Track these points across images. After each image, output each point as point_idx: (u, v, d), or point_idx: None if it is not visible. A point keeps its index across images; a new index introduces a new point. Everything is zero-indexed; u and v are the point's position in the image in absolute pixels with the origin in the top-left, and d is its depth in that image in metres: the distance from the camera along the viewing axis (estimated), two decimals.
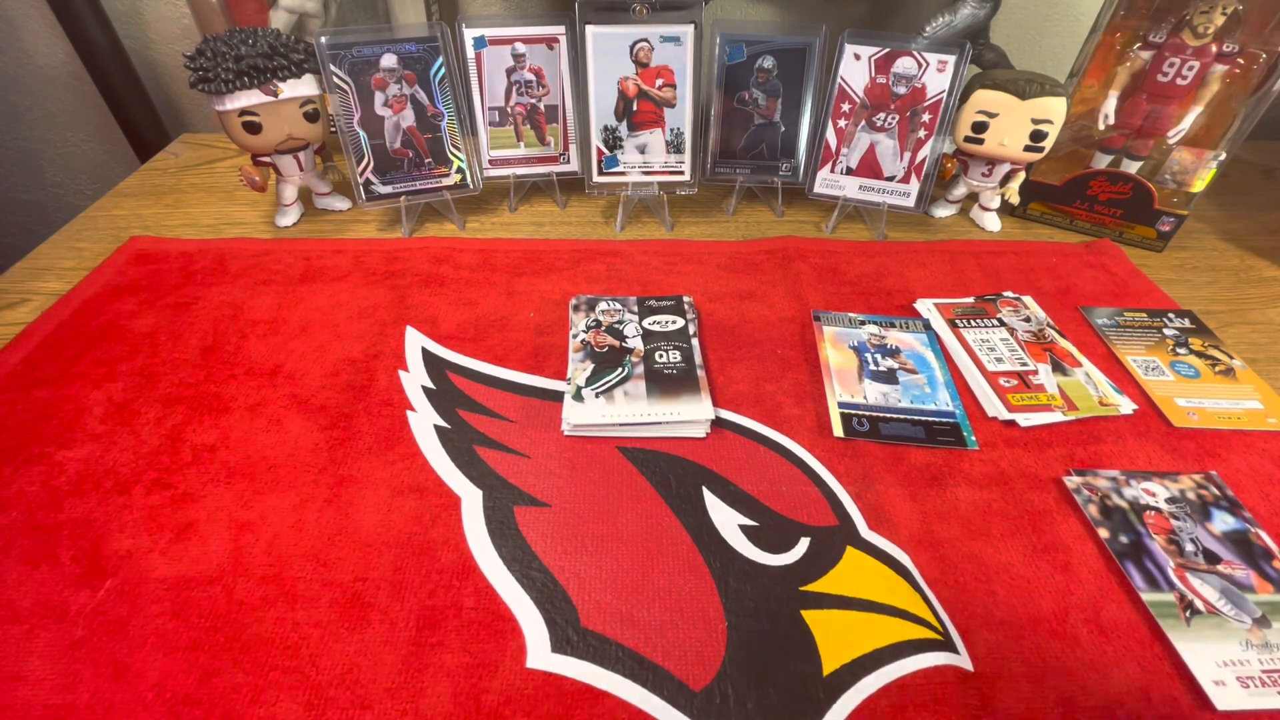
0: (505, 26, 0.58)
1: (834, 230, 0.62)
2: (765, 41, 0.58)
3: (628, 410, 0.41)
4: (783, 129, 0.61)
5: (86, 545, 0.35)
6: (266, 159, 0.57)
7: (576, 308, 0.50)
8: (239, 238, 0.59)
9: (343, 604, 0.32)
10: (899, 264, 0.57)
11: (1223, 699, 0.30)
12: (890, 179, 0.60)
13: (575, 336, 0.47)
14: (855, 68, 0.57)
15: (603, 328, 0.48)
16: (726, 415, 0.43)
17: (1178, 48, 0.55)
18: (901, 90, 0.57)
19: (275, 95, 0.53)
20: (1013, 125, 0.55)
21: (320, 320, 0.50)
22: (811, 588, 0.33)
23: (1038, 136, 0.55)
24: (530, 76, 0.60)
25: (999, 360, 0.47)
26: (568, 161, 0.64)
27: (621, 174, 0.62)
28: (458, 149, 0.60)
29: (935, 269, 0.57)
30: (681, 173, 0.62)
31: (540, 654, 0.30)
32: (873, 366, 0.46)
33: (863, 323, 0.50)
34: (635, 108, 0.59)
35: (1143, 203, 0.59)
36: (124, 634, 0.31)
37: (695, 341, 0.47)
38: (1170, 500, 0.38)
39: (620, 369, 0.44)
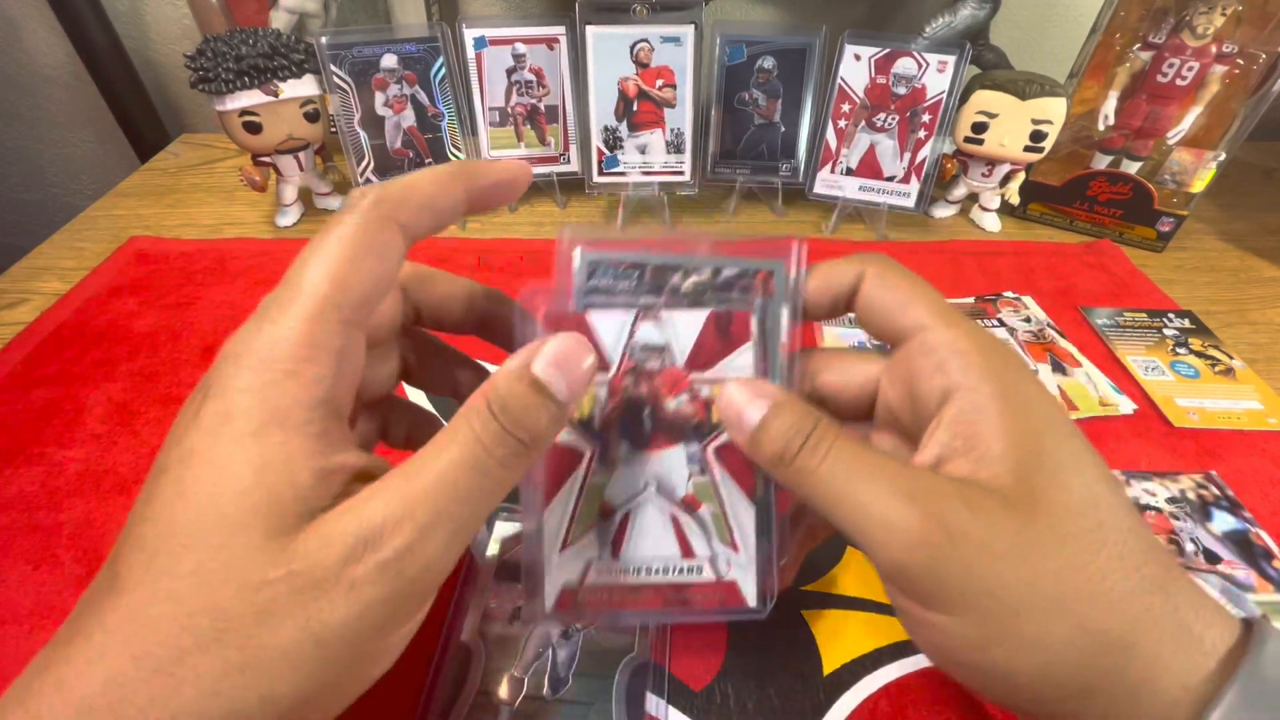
0: (505, 27, 0.58)
1: (834, 230, 0.62)
2: (765, 42, 0.58)
3: None
4: (783, 129, 0.61)
5: (86, 545, 0.35)
6: (266, 159, 0.57)
7: None
8: (239, 238, 0.59)
9: None
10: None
11: None
12: (890, 179, 0.60)
13: None
14: (855, 68, 0.57)
15: None
16: None
17: (1177, 48, 0.55)
18: (901, 91, 0.57)
19: (276, 95, 0.53)
20: (1013, 125, 0.55)
21: None
22: (812, 587, 0.33)
23: (1038, 137, 0.55)
24: (530, 77, 0.60)
25: None
26: (568, 162, 0.64)
27: (622, 174, 0.62)
28: (458, 149, 0.60)
29: (935, 269, 0.57)
30: (681, 173, 0.62)
31: None
32: None
33: None
34: (635, 108, 0.59)
35: (1143, 203, 0.59)
36: None
37: None
38: (1170, 500, 0.38)
39: None
